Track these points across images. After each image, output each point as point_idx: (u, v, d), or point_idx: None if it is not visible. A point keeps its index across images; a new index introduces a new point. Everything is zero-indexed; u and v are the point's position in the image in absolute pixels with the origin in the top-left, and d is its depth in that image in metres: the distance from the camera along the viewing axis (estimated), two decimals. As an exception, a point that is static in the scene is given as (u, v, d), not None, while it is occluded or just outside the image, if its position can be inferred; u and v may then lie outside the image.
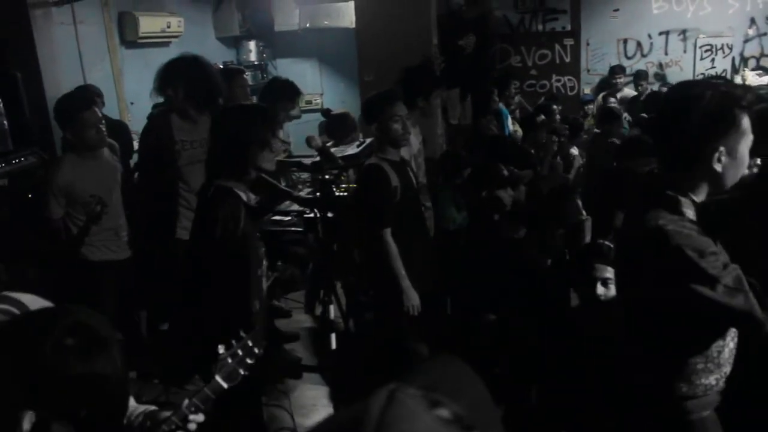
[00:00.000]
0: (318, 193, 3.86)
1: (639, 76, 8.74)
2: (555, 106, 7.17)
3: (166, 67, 3.74)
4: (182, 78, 3.68)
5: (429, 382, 0.72)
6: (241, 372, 1.91)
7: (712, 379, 1.95)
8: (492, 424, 0.73)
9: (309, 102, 8.36)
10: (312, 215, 3.96)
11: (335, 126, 4.94)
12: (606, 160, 5.12)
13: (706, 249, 1.76)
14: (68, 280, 3.71)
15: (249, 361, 1.92)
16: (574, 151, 6.49)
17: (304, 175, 5.39)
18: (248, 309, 2.53)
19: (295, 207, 4.41)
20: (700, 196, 1.88)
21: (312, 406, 3.96)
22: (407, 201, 3.49)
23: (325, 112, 4.95)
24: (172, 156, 3.67)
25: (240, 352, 1.91)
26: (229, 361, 1.89)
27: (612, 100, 8.32)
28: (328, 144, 4.16)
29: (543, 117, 6.51)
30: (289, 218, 4.27)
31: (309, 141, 3.81)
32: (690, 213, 1.84)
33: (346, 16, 7.86)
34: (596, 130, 6.77)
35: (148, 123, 4.09)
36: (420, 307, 3.43)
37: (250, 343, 1.92)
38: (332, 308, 3.35)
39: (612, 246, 2.59)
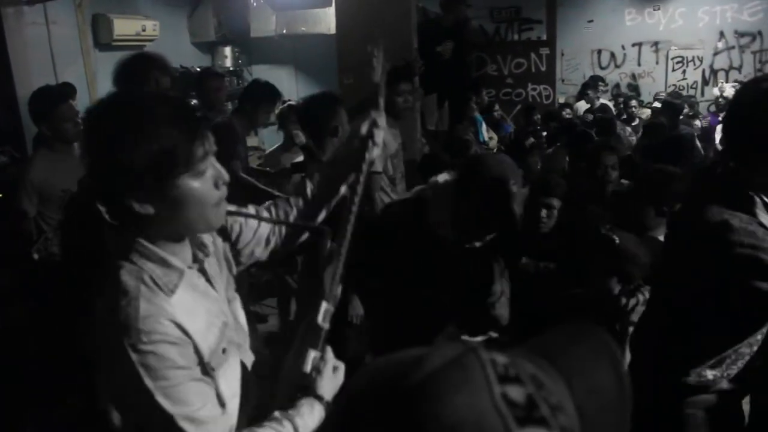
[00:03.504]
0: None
1: (587, 86, 8.51)
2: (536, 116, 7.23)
3: (146, 55, 3.75)
4: (167, 68, 3.69)
5: (548, 347, 0.64)
6: None
7: (713, 374, 1.98)
8: (610, 422, 0.62)
9: (285, 108, 8.33)
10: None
11: (282, 115, 4.97)
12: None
13: (764, 246, 1.74)
14: (43, 283, 3.61)
15: None
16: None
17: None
18: None
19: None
20: None
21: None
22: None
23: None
24: None
25: None
26: None
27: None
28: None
29: (532, 140, 6.28)
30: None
31: (294, 137, 3.77)
32: (764, 216, 1.81)
33: (323, 23, 7.85)
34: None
35: None
36: (363, 317, 3.37)
37: None
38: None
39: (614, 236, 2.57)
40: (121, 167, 1.23)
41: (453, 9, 6.12)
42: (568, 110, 7.86)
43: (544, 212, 3.13)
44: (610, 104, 8.59)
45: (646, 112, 8.09)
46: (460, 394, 0.53)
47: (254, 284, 5.36)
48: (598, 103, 8.36)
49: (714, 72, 9.47)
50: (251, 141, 6.47)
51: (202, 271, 1.44)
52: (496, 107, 7.85)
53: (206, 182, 1.31)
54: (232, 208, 1.60)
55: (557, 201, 3.18)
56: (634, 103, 8.04)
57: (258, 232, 1.66)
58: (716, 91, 8.94)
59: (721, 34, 9.37)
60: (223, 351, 1.42)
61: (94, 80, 6.51)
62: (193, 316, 1.35)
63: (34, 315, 3.32)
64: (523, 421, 0.54)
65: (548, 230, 3.22)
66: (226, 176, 1.35)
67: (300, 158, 3.70)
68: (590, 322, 0.69)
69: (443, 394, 0.53)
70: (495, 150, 6.79)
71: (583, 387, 0.60)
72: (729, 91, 8.69)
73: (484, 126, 7.10)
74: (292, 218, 1.69)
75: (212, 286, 1.45)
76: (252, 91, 4.47)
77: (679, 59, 9.52)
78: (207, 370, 1.36)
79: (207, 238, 1.48)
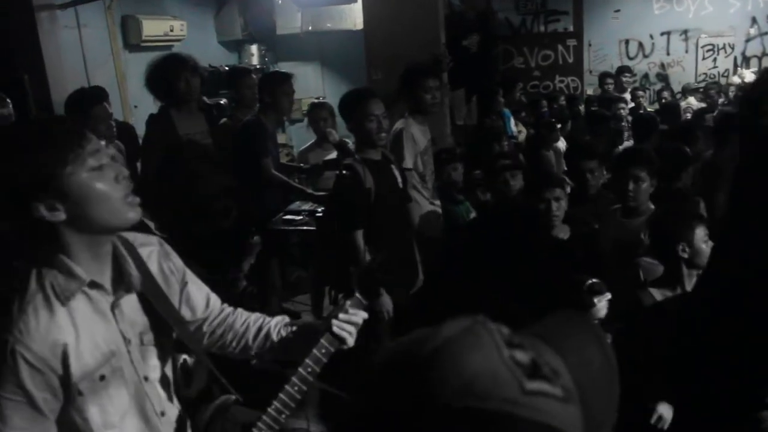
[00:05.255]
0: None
1: (605, 75, 8.34)
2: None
3: (177, 56, 3.87)
4: (196, 69, 3.82)
5: (543, 331, 0.70)
6: None
7: None
8: (602, 393, 0.70)
9: (312, 105, 8.35)
10: (323, 214, 3.93)
11: (309, 113, 5.09)
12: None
13: None
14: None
15: None
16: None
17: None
18: None
19: (307, 207, 4.37)
20: None
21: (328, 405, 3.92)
22: (385, 201, 3.38)
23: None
24: (179, 149, 3.73)
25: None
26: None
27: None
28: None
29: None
30: (301, 217, 4.24)
31: (327, 136, 3.79)
32: None
33: (349, 19, 7.85)
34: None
35: (150, 119, 4.12)
36: (392, 311, 3.36)
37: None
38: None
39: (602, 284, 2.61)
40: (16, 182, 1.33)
41: (477, 3, 6.11)
42: (622, 104, 7.53)
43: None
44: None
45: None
46: (474, 353, 0.60)
47: (286, 282, 5.41)
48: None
49: (746, 59, 9.28)
50: (279, 138, 6.51)
51: (117, 297, 1.49)
52: (544, 103, 7.64)
53: (104, 178, 1.39)
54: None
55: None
56: (641, 93, 7.86)
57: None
58: (736, 79, 8.75)
59: (753, 20, 9.17)
60: (101, 378, 1.43)
61: (124, 80, 6.60)
62: (78, 330, 1.39)
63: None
64: (530, 376, 0.61)
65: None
66: (125, 172, 1.44)
67: (332, 155, 3.71)
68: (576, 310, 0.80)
69: (459, 354, 0.60)
70: (524, 143, 6.75)
71: (575, 361, 0.67)
72: (750, 77, 8.51)
73: (512, 120, 7.05)
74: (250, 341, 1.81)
75: (114, 314, 1.48)
76: (265, 83, 4.50)
77: (710, 47, 9.35)
78: (72, 393, 1.39)
79: (153, 266, 1.60)
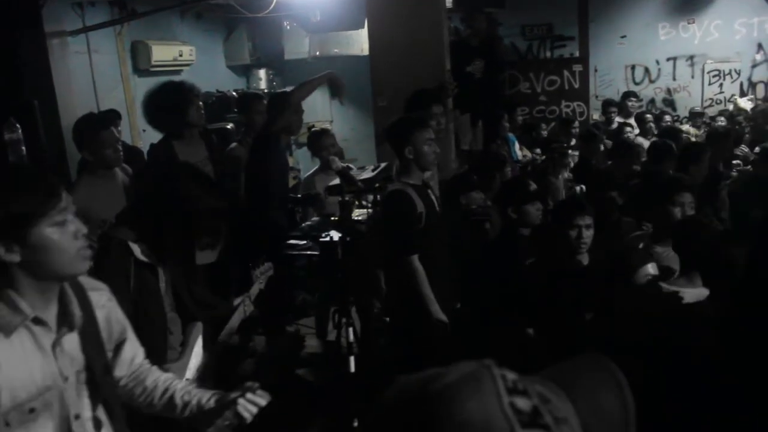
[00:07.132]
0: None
1: (608, 103, 8.32)
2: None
3: (184, 84, 3.95)
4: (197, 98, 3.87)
5: (558, 374, 0.71)
6: None
7: None
8: None
9: (319, 129, 8.40)
10: (327, 239, 3.94)
11: (312, 142, 5.22)
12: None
13: None
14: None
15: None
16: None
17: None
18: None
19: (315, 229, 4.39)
20: None
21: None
22: (431, 225, 3.47)
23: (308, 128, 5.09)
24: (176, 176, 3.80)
25: None
26: None
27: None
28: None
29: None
30: (305, 242, 4.25)
31: (329, 163, 3.81)
32: None
33: (356, 44, 7.94)
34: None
35: (152, 150, 4.19)
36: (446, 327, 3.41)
37: None
38: (350, 331, 3.32)
39: None
40: None
41: (473, 21, 6.15)
42: (628, 129, 7.38)
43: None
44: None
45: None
46: (471, 400, 0.61)
47: (292, 305, 5.41)
48: (615, 124, 7.89)
49: (752, 85, 9.30)
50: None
51: (60, 335, 1.55)
52: (544, 126, 7.70)
53: (65, 232, 1.48)
54: None
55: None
56: (649, 117, 7.83)
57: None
58: (731, 107, 8.77)
59: (759, 46, 9.22)
60: (31, 410, 1.47)
61: (133, 105, 6.67)
62: (14, 361, 1.44)
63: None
64: (527, 425, 0.61)
65: None
66: (84, 229, 1.53)
67: (335, 181, 3.74)
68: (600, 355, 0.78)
69: (456, 400, 0.61)
70: (529, 168, 6.75)
71: (588, 407, 0.67)
72: (744, 104, 8.58)
73: (516, 145, 7.08)
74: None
75: (54, 351, 1.54)
76: (273, 104, 4.59)
77: (716, 72, 9.39)
78: None
79: (100, 311, 1.67)
